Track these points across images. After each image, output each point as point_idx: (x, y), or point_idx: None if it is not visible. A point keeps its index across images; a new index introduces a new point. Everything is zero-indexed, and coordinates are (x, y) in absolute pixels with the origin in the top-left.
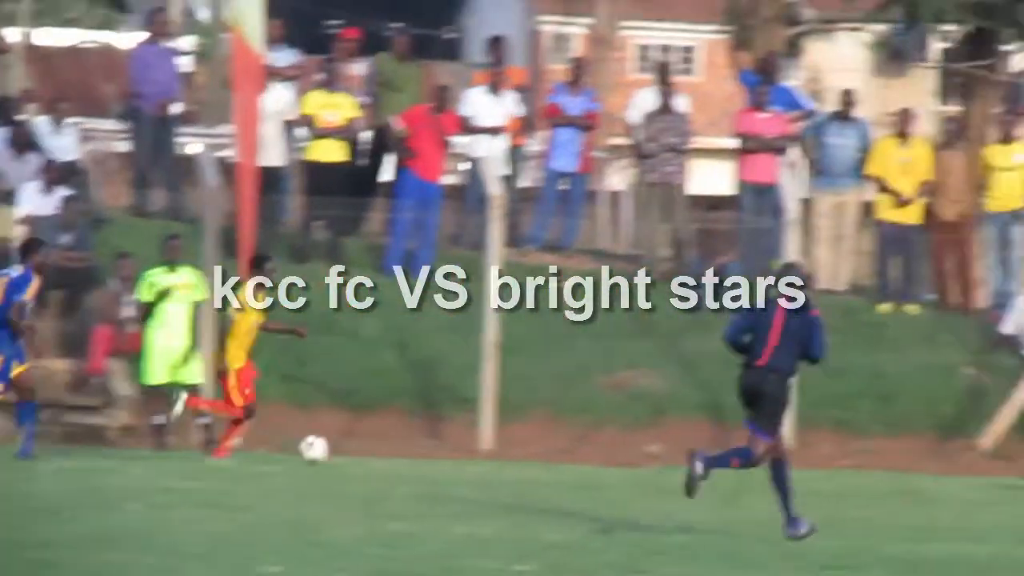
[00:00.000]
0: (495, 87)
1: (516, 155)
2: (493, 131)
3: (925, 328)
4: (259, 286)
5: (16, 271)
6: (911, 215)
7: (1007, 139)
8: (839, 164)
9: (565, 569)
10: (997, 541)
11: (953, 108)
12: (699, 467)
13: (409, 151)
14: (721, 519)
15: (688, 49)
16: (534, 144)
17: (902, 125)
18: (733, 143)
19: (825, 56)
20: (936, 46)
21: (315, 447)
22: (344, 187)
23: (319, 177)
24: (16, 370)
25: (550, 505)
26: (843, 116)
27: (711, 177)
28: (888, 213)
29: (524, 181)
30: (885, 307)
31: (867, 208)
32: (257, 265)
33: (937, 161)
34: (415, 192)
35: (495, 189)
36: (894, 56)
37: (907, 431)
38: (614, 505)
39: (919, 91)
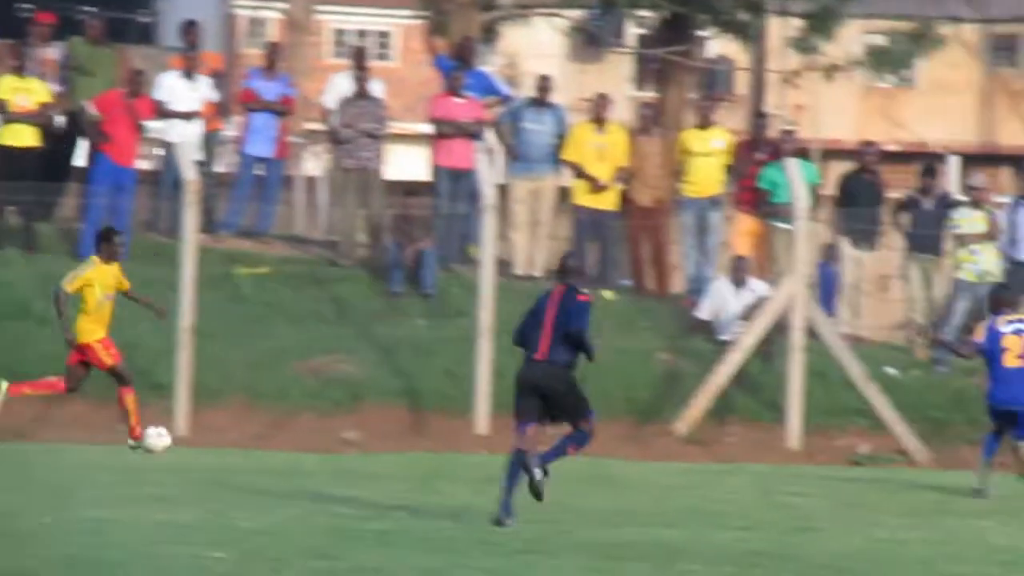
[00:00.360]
0: (190, 72)
1: (211, 140)
2: (188, 116)
3: (621, 313)
4: (110, 258)
5: None
6: (607, 201)
7: (704, 125)
8: (535, 150)
9: (261, 556)
10: (691, 525)
11: (649, 94)
12: (538, 472)
13: (103, 136)
14: (417, 505)
15: (384, 34)
16: (229, 129)
17: (598, 111)
18: (429, 128)
19: (521, 42)
20: (632, 32)
21: (163, 437)
22: (37, 172)
23: (11, 162)
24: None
25: (247, 491)
26: (539, 102)
27: (407, 163)
28: (584, 199)
29: (219, 166)
30: None
31: (563, 194)
32: (106, 239)
33: (633, 147)
34: (109, 177)
35: (190, 174)
36: (590, 42)
37: (604, 416)
38: (311, 491)
39: (615, 77)
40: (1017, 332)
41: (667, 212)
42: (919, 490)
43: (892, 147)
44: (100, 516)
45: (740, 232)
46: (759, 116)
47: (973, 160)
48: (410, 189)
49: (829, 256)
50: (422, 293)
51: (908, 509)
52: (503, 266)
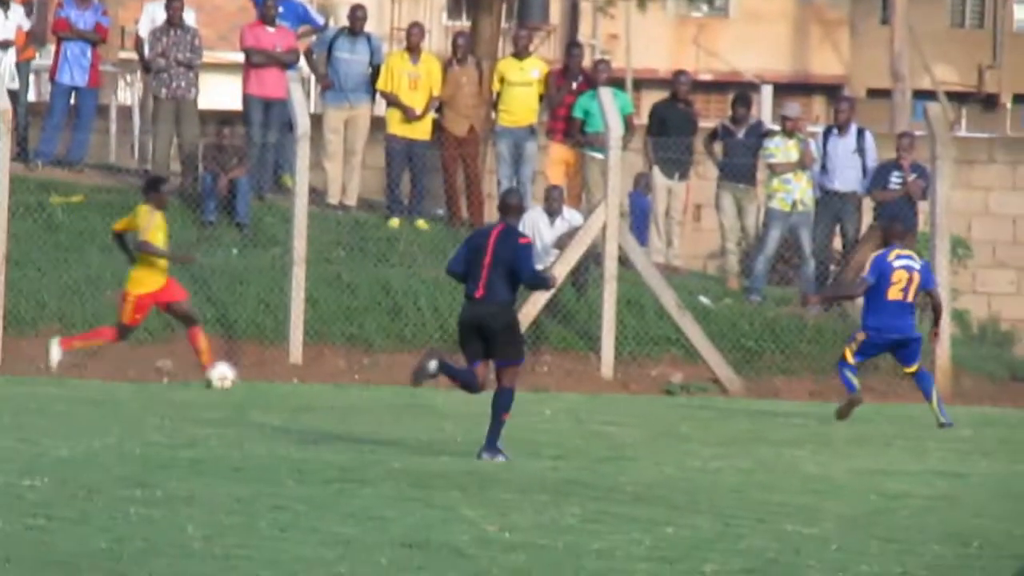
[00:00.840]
0: (3, 2)
1: (24, 69)
2: (1, 45)
3: (435, 243)
4: (159, 206)
5: None
6: (421, 130)
7: (520, 54)
8: (349, 79)
9: (75, 483)
10: (506, 450)
11: (463, 23)
12: (433, 365)
13: None
14: (231, 434)
15: None
16: (43, 58)
17: (412, 40)
18: (241, 58)
19: None
20: None
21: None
22: None
23: None
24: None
25: (60, 420)
26: (353, 31)
27: (221, 92)
28: (398, 128)
29: (32, 96)
30: (395, 222)
31: (377, 123)
32: (154, 187)
33: (447, 76)
34: None
35: (3, 103)
36: None
37: (416, 345)
38: (124, 420)
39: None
40: (907, 268)
41: (481, 141)
42: (732, 419)
43: (705, 76)
44: None
45: (554, 161)
46: (573, 46)
47: (786, 89)
48: (224, 119)
49: (642, 185)
50: (236, 222)
51: (721, 438)
52: (317, 195)
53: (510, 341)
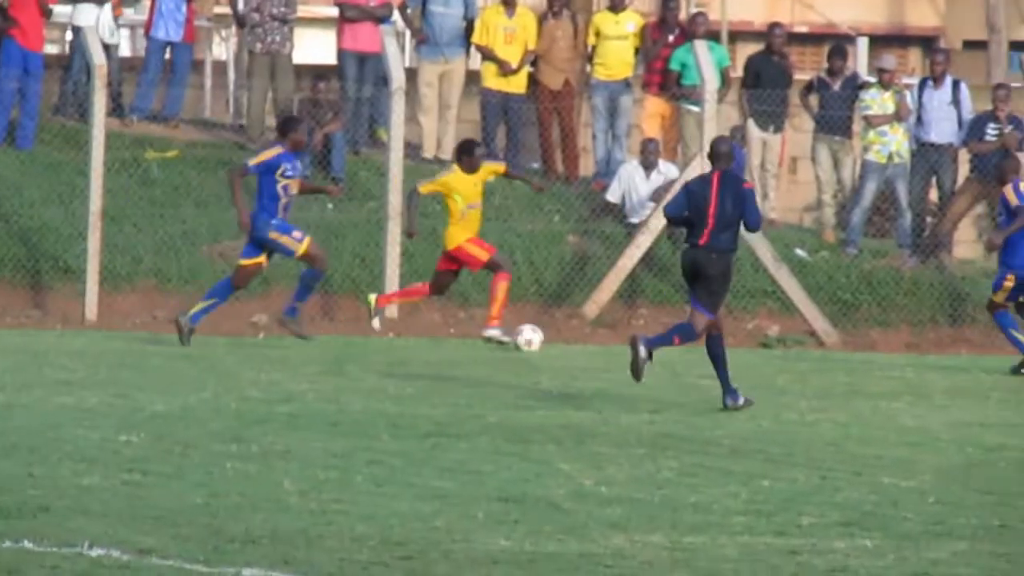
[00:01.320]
0: None
1: (119, 24)
2: (96, 0)
3: (531, 197)
4: (471, 169)
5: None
6: (516, 84)
7: (616, 8)
8: (444, 33)
9: (170, 439)
10: (601, 407)
11: None
12: (643, 350)
13: (10, 20)
14: (327, 388)
15: None
16: (137, 13)
17: None
18: (335, 12)
19: None
20: None
21: (532, 342)
22: None
23: None
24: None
25: (156, 375)
26: None
27: (315, 47)
28: (493, 82)
29: (127, 51)
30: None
31: (472, 77)
32: (467, 151)
33: (542, 30)
34: (18, 62)
35: (99, 59)
36: None
37: (514, 299)
38: (220, 374)
39: None
40: None
41: (576, 95)
42: (828, 372)
43: (801, 28)
44: (5, 400)
45: (650, 115)
46: None
47: (881, 41)
48: (319, 73)
49: (737, 138)
50: (331, 177)
51: (818, 391)
52: (412, 150)
53: (715, 291)
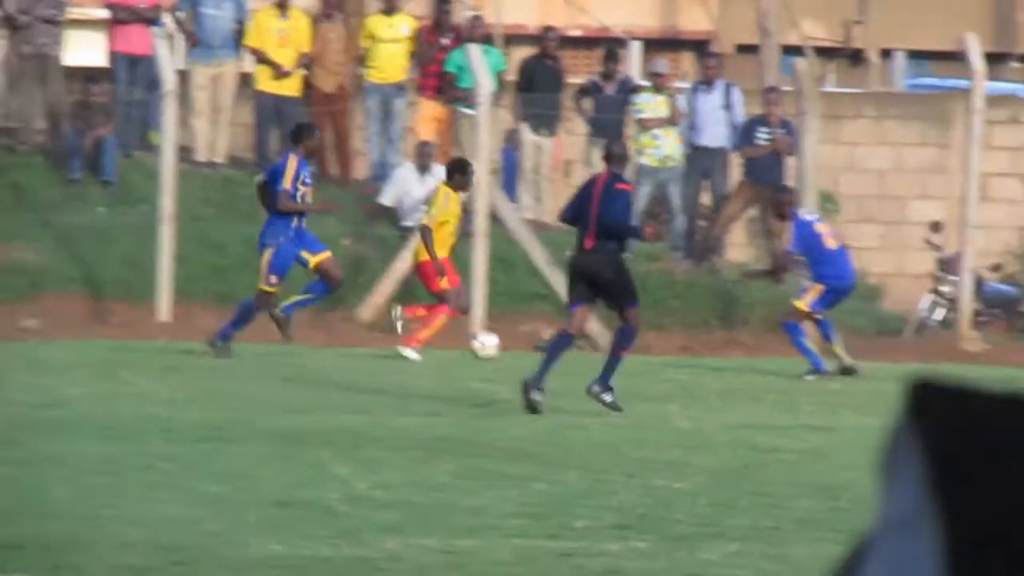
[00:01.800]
0: None
1: None
2: None
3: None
4: (460, 188)
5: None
6: (290, 87)
7: (390, 10)
8: (216, 36)
9: None
10: (376, 411)
11: None
12: (538, 398)
13: None
14: (98, 393)
15: None
16: None
17: None
18: (105, 14)
19: None
20: None
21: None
22: None
23: None
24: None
25: None
26: None
27: (86, 49)
28: (266, 85)
29: None
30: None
31: (245, 80)
32: (461, 170)
33: (316, 32)
34: None
35: None
36: None
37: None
38: None
39: None
40: (820, 220)
41: (350, 98)
42: None
43: (574, 32)
44: None
45: (425, 118)
46: (443, 1)
47: (655, 45)
48: (90, 76)
49: (511, 141)
50: (102, 180)
51: None
52: (184, 152)
53: (623, 289)
